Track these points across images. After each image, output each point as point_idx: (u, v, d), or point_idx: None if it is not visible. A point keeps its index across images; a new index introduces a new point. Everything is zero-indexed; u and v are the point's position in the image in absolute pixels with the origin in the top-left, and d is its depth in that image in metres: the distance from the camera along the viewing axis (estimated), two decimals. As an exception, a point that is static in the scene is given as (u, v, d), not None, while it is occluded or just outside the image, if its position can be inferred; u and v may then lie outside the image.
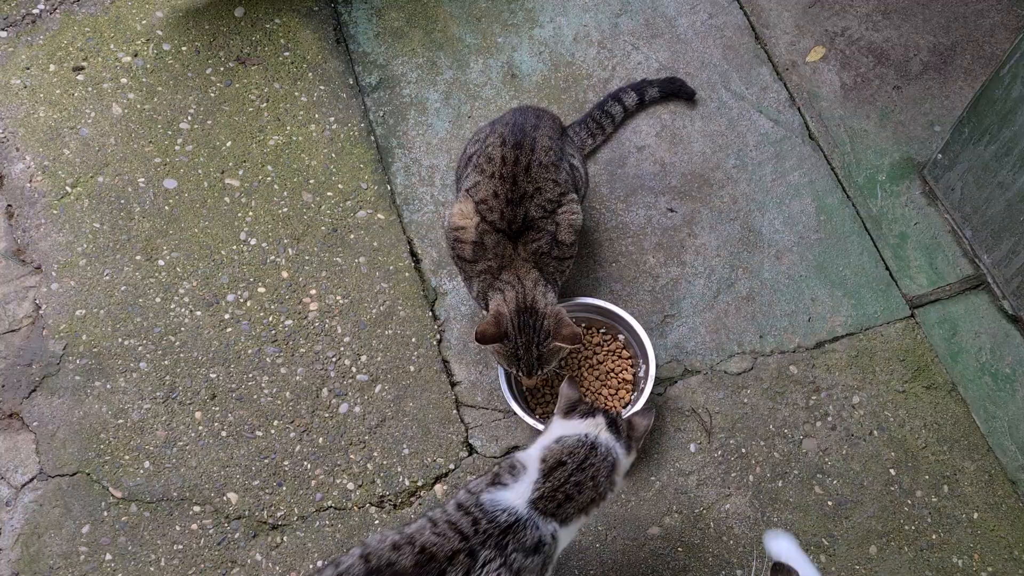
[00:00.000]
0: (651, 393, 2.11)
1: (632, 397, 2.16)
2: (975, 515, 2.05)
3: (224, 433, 2.17)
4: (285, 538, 2.06)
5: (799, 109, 2.56)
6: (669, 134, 2.54)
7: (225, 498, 2.10)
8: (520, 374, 2.05)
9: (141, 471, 2.12)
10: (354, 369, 2.26)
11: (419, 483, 2.12)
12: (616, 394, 2.18)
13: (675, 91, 2.57)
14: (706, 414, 2.18)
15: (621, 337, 2.24)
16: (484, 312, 2.13)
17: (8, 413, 2.19)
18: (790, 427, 2.17)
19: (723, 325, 2.30)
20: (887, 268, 2.35)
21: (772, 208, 2.44)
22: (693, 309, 2.32)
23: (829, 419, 2.17)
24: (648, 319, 2.29)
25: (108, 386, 2.21)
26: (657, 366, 2.17)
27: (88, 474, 2.11)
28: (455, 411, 2.21)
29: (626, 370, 2.20)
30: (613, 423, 1.71)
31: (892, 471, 2.10)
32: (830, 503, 2.08)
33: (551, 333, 1.98)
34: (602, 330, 2.26)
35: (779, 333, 2.28)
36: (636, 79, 2.59)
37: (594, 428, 1.69)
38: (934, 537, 2.03)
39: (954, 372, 2.20)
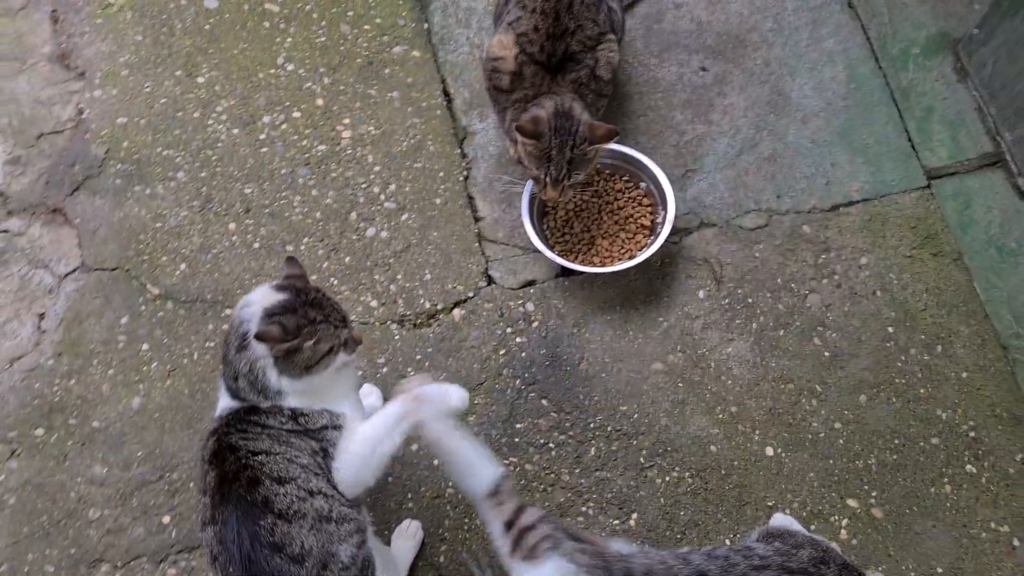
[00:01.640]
0: (667, 240, 2.19)
1: (648, 242, 2.24)
2: (964, 374, 2.16)
3: (256, 245, 2.28)
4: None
5: (841, -23, 2.56)
6: (708, -7, 2.55)
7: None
8: (547, 178, 2.08)
9: (177, 272, 2.23)
10: (383, 197, 2.34)
11: (439, 306, 2.23)
12: (633, 238, 2.26)
13: (719, -50, 2.56)
14: (718, 264, 2.27)
15: (643, 185, 2.30)
16: (510, 144, 2.20)
17: (52, 208, 2.29)
18: (797, 282, 2.25)
19: (742, 183, 2.36)
20: (909, 139, 2.39)
21: (803, 73, 2.46)
22: (715, 166, 2.38)
23: (835, 277, 2.26)
24: (671, 172, 2.35)
25: (147, 192, 2.31)
26: (675, 216, 2.25)
27: (127, 271, 2.23)
28: (477, 244, 2.30)
29: (645, 216, 2.28)
30: None
31: (890, 329, 2.20)
32: (827, 354, 2.18)
33: (586, 138, 2.03)
34: (625, 177, 2.32)
35: (796, 194, 2.35)
36: (681, -65, 2.57)
37: None
38: (922, 391, 2.14)
39: (962, 242, 2.28)
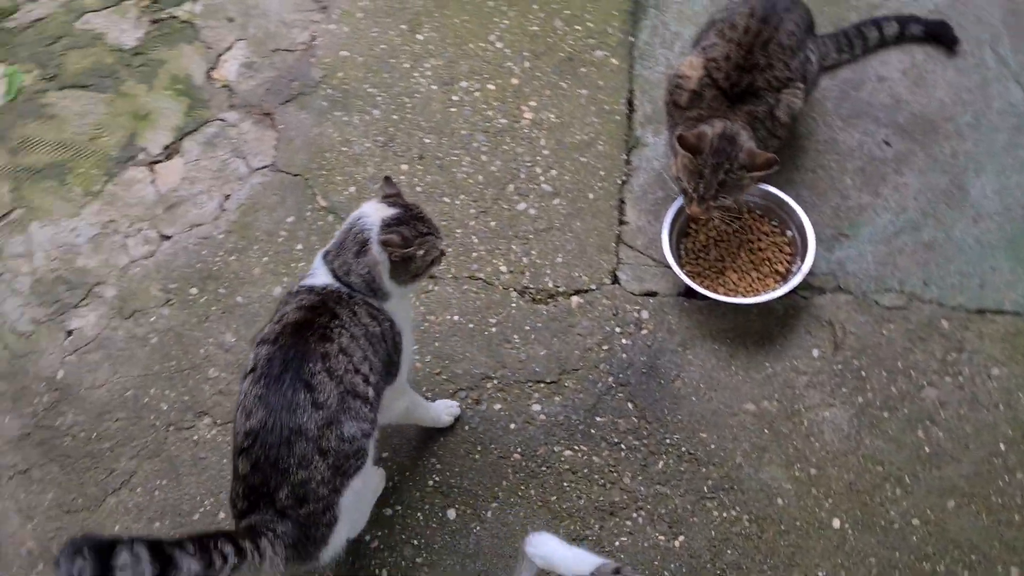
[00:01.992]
0: (797, 293, 2.20)
1: (776, 287, 2.25)
2: (1070, 517, 2.02)
3: (419, 189, 2.49)
4: (436, 287, 2.36)
5: (1061, 91, 2.47)
6: (915, 74, 2.53)
7: (401, 240, 2.43)
8: (695, 194, 2.16)
9: (346, 193, 2.48)
10: (542, 178, 2.50)
11: (560, 289, 2.35)
12: (764, 280, 2.28)
13: (938, 35, 2.54)
14: (841, 330, 2.25)
15: (789, 233, 2.32)
16: (672, 159, 2.29)
17: (265, 112, 2.61)
18: (918, 371, 2.19)
19: (892, 261, 2.32)
20: (1085, 267, 2.27)
21: (990, 174, 2.39)
22: (869, 237, 2.35)
23: (960, 379, 2.17)
24: (822, 230, 2.35)
25: (344, 118, 2.58)
26: (813, 274, 2.25)
27: (306, 179, 2.50)
28: (614, 244, 2.40)
29: (782, 263, 2.29)
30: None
31: (1002, 446, 2.09)
32: (927, 449, 2.11)
33: (745, 164, 2.10)
34: (774, 222, 2.35)
35: (945, 288, 2.28)
36: (905, 14, 2.58)
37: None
38: (1017, 517, 2.02)
39: (1111, 385, 2.13)
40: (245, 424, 1.68)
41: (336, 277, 1.80)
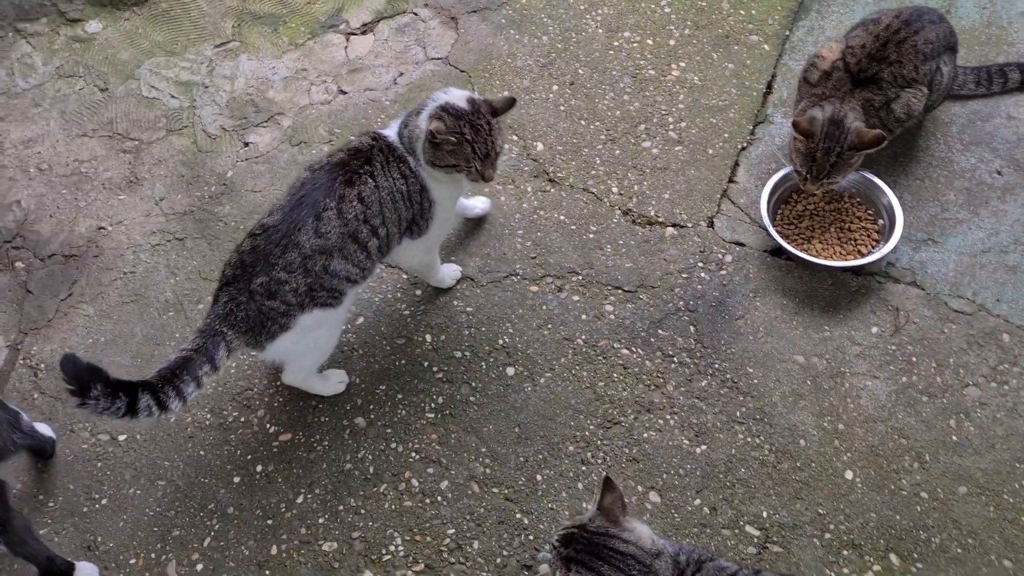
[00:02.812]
0: (873, 276, 2.37)
1: (853, 264, 2.44)
2: (1076, 533, 2.10)
3: (562, 108, 2.81)
4: (552, 190, 2.66)
5: None
6: (1045, 120, 2.66)
7: (535, 144, 2.74)
8: (809, 175, 2.39)
9: (500, 95, 2.82)
10: (671, 127, 2.76)
11: (660, 219, 2.60)
12: (845, 257, 2.46)
13: (1078, 91, 2.66)
14: (905, 318, 2.40)
15: (880, 222, 2.50)
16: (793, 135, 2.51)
17: (452, 16, 3.00)
18: (966, 371, 2.31)
19: (972, 273, 2.45)
20: None
21: (1091, 221, 2.50)
22: (956, 248, 2.49)
23: (1005, 387, 2.28)
24: (914, 232, 2.51)
25: (516, 36, 2.94)
26: (892, 265, 2.43)
27: (469, 76, 2.87)
28: (719, 196, 2.64)
29: (866, 246, 2.47)
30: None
31: (1028, 455, 2.20)
32: (954, 438, 2.23)
33: (854, 143, 2.31)
34: (870, 210, 2.53)
35: (1016, 308, 2.39)
36: (1050, 66, 2.71)
37: None
38: (1023, 519, 2.12)
39: None
40: (265, 219, 2.06)
41: (399, 132, 2.13)
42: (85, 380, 1.82)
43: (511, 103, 2.16)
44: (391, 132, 2.16)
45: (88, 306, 2.49)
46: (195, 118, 2.81)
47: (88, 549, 2.16)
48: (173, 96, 2.86)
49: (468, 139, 2.06)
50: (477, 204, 2.57)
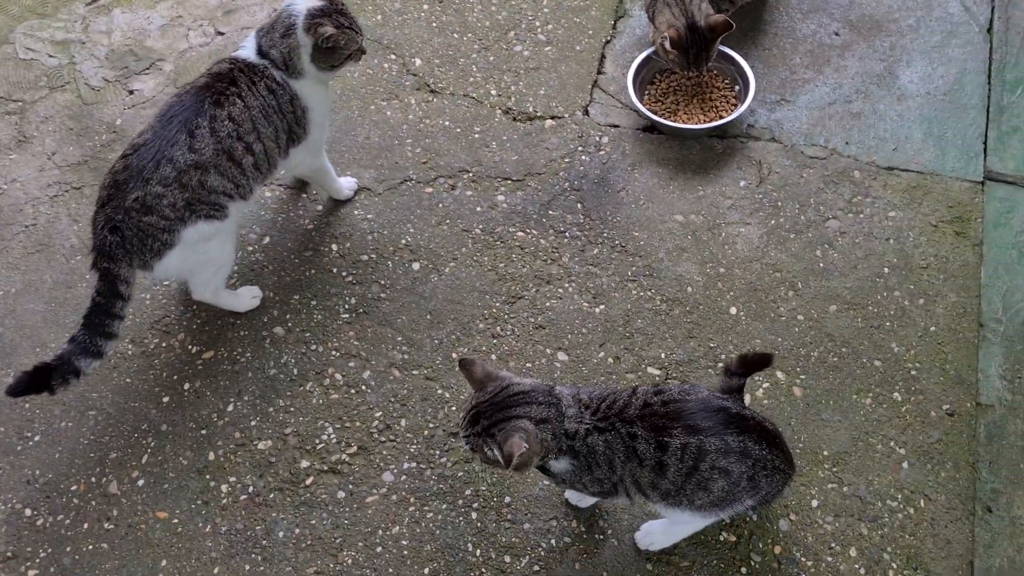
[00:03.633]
0: (735, 137, 2.60)
1: (716, 125, 2.66)
2: (932, 328, 2.36)
3: (434, 24, 2.95)
4: (435, 99, 2.80)
5: (993, 8, 2.85)
6: (871, -15, 2.94)
7: (413, 60, 2.88)
8: (692, 70, 2.65)
9: (374, 20, 2.95)
10: (539, 30, 2.94)
11: (538, 113, 2.77)
12: (708, 121, 2.68)
13: (895, -46, 2.94)
14: (767, 169, 2.63)
15: (736, 88, 2.73)
16: (651, 25, 2.71)
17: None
18: (826, 206, 2.56)
19: (822, 124, 2.71)
20: (984, 144, 2.63)
21: (919, 65, 2.78)
22: (806, 104, 2.74)
23: (860, 216, 2.54)
24: (767, 95, 2.75)
25: (382, -36, 3.06)
26: (751, 126, 2.66)
27: (342, 5, 2.98)
28: (590, 87, 2.82)
29: (726, 110, 2.71)
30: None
31: (886, 269, 2.45)
32: (821, 265, 2.47)
33: (712, 35, 2.57)
34: (726, 80, 2.76)
35: (863, 148, 2.66)
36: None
37: None
38: (887, 324, 2.37)
39: (988, 234, 2.47)
40: (135, 139, 2.14)
41: (260, 52, 2.21)
42: (41, 383, 2.06)
43: None
44: (246, 53, 2.24)
45: (-7, 262, 2.53)
46: (76, 73, 2.85)
47: (27, 483, 2.22)
48: (51, 55, 2.89)
49: (347, 26, 2.20)
50: (345, 184, 2.63)
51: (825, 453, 2.21)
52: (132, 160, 2.08)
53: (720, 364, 2.32)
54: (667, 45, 2.59)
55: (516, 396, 1.78)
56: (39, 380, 2.05)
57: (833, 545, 2.10)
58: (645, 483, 1.83)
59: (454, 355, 2.37)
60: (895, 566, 2.07)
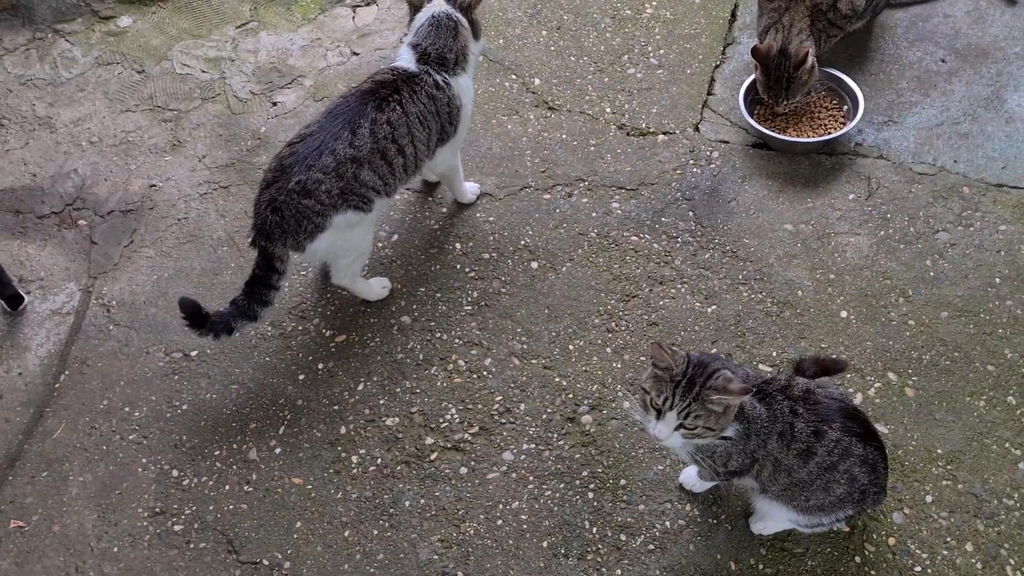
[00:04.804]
0: (844, 154, 2.70)
1: (827, 139, 2.77)
2: (1045, 336, 2.39)
3: (552, 48, 3.15)
4: (552, 115, 2.98)
5: (1101, 37, 2.91)
6: (977, 15, 3.03)
7: (532, 80, 3.07)
8: (769, 99, 2.79)
9: (496, 43, 3.16)
10: (651, 54, 3.11)
11: (651, 129, 2.92)
12: (813, 135, 2.80)
13: (1002, -12, 3.04)
14: (876, 183, 2.71)
15: (845, 108, 2.84)
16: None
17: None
18: (936, 219, 2.63)
19: (930, 143, 2.79)
20: (1097, 164, 2.67)
21: (1026, 90, 2.85)
22: (914, 125, 2.83)
23: (971, 229, 2.59)
24: (875, 117, 2.85)
25: (505, -7, 3.30)
26: (860, 144, 2.76)
27: (468, 30, 3.20)
28: (700, 106, 2.97)
29: (835, 128, 2.81)
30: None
31: (997, 279, 2.49)
32: (932, 274, 2.53)
33: (796, 65, 2.69)
34: (835, 100, 2.87)
35: (972, 166, 2.72)
36: (976, -29, 3.09)
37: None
38: (1000, 331, 2.40)
39: (1101, 248, 2.51)
40: (303, 131, 2.35)
41: (425, 61, 2.43)
42: (199, 321, 2.32)
43: None
44: (405, 63, 2.44)
45: (149, 249, 2.76)
46: (226, 87, 3.12)
47: (175, 447, 2.39)
48: (204, 71, 3.17)
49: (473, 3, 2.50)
50: (469, 188, 2.81)
51: (939, 451, 2.24)
52: (299, 148, 2.30)
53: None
54: (752, 58, 2.74)
55: (704, 362, 1.84)
56: (198, 319, 2.31)
57: (948, 540, 2.12)
58: (783, 467, 1.91)
59: (570, 347, 2.49)
60: (1012, 562, 2.08)
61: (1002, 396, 2.31)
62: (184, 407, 2.47)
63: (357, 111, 2.32)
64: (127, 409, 2.47)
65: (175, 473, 2.35)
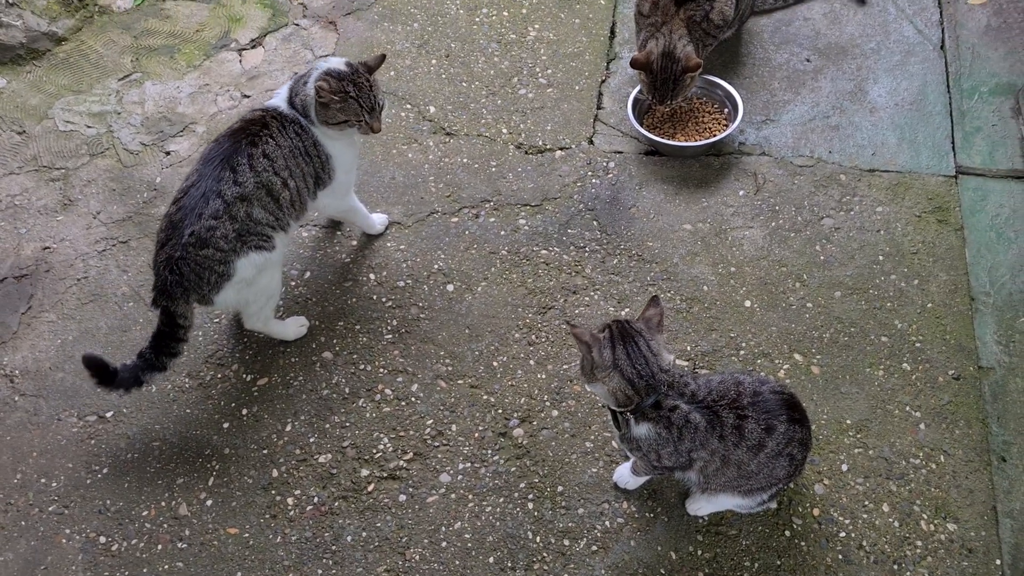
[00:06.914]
0: (729, 154, 2.86)
1: (713, 141, 2.92)
2: (929, 304, 2.58)
3: (443, 76, 3.21)
4: (451, 140, 3.04)
5: (943, 29, 3.19)
6: (833, 16, 3.27)
7: (427, 108, 3.12)
8: (655, 100, 2.91)
9: (388, 75, 3.20)
10: (540, 75, 3.21)
11: (548, 146, 3.02)
12: (701, 140, 2.95)
13: (852, -10, 3.29)
14: (762, 179, 2.88)
15: (726, 110, 3.01)
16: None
17: (330, 21, 3.38)
18: (820, 207, 2.81)
19: (806, 137, 2.98)
20: (952, 144, 2.91)
21: (885, 81, 3.09)
22: (789, 122, 3.03)
23: (851, 213, 2.79)
24: (753, 117, 3.03)
25: (391, 27, 3.35)
26: (743, 143, 2.93)
27: (357, 64, 3.24)
28: (592, 120, 3.09)
29: (718, 129, 2.97)
30: None
31: (880, 257, 2.68)
32: (822, 258, 2.70)
33: (685, 67, 2.82)
34: (715, 104, 3.04)
35: (845, 155, 2.93)
36: (827, -23, 3.34)
37: None
38: (888, 304, 2.59)
39: (967, 220, 2.73)
40: (183, 184, 2.32)
41: (289, 100, 2.42)
42: (107, 378, 2.29)
43: (382, 59, 2.48)
44: (278, 102, 2.43)
45: (49, 313, 2.66)
46: (114, 140, 3.05)
47: (99, 513, 2.31)
48: (89, 126, 3.09)
49: (353, 96, 2.36)
50: (377, 220, 2.81)
51: (848, 422, 2.39)
52: (184, 201, 2.25)
53: (742, 351, 2.51)
54: (631, 68, 2.87)
55: (634, 344, 1.98)
56: (104, 375, 2.28)
57: (867, 503, 2.26)
58: (732, 461, 2.00)
59: (495, 364, 2.53)
60: (926, 516, 2.23)
61: (897, 364, 2.49)
62: (104, 471, 2.38)
63: (231, 150, 2.29)
64: (43, 480, 2.37)
65: (102, 540, 2.27)
